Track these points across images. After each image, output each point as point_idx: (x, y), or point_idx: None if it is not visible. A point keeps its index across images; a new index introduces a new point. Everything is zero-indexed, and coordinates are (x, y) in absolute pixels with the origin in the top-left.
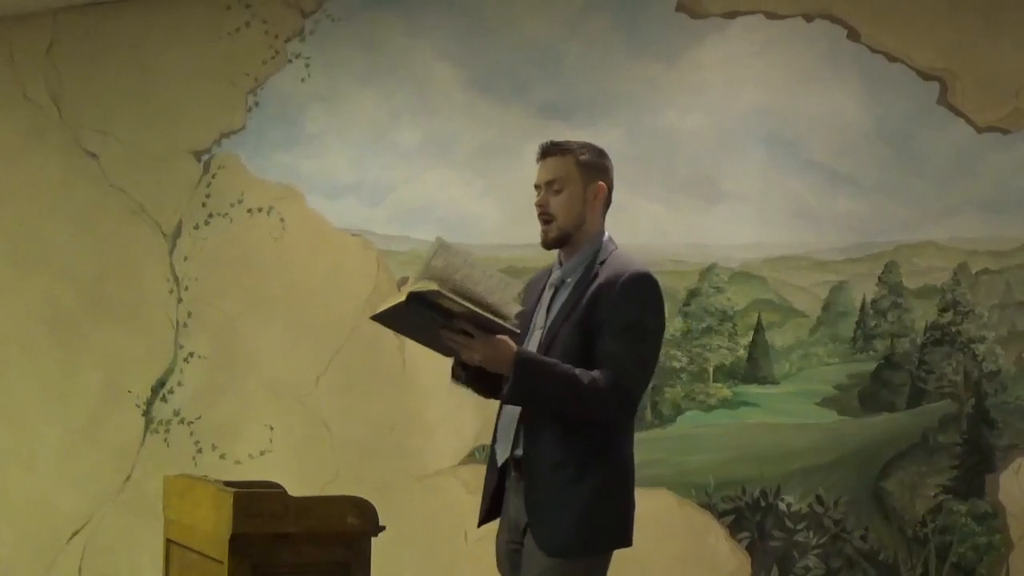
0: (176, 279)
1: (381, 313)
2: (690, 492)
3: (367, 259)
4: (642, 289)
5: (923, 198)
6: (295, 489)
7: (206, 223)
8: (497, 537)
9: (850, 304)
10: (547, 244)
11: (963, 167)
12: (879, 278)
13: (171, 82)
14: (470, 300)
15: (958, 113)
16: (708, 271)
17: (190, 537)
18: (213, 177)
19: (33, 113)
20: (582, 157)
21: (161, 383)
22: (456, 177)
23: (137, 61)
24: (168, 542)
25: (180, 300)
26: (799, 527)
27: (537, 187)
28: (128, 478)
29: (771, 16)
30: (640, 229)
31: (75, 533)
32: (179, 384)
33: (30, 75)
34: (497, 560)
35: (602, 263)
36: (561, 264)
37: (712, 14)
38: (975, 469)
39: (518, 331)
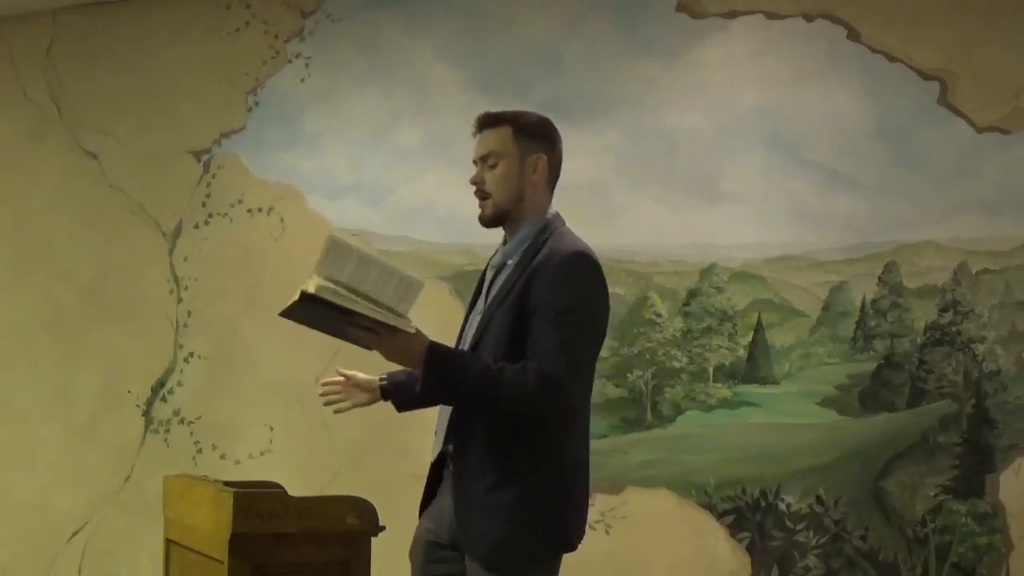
0: (176, 279)
1: (286, 310)
2: (690, 492)
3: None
4: (577, 272)
5: (923, 198)
6: (295, 489)
7: (206, 223)
8: (418, 527)
9: (850, 304)
10: (483, 222)
11: (963, 167)
12: (879, 278)
13: (171, 82)
14: (362, 298)
15: (958, 113)
16: (708, 271)
17: (190, 537)
18: (213, 177)
19: (33, 113)
20: (519, 127)
21: (161, 383)
22: (456, 177)
23: (137, 61)
24: (168, 542)
25: (180, 300)
26: (799, 527)
27: (474, 163)
28: (128, 478)
29: (771, 16)
30: (640, 229)
31: (75, 533)
32: (179, 384)
33: (30, 75)
34: (411, 547)
35: (543, 242)
36: (504, 244)
37: (712, 14)
38: (975, 469)
39: (413, 331)
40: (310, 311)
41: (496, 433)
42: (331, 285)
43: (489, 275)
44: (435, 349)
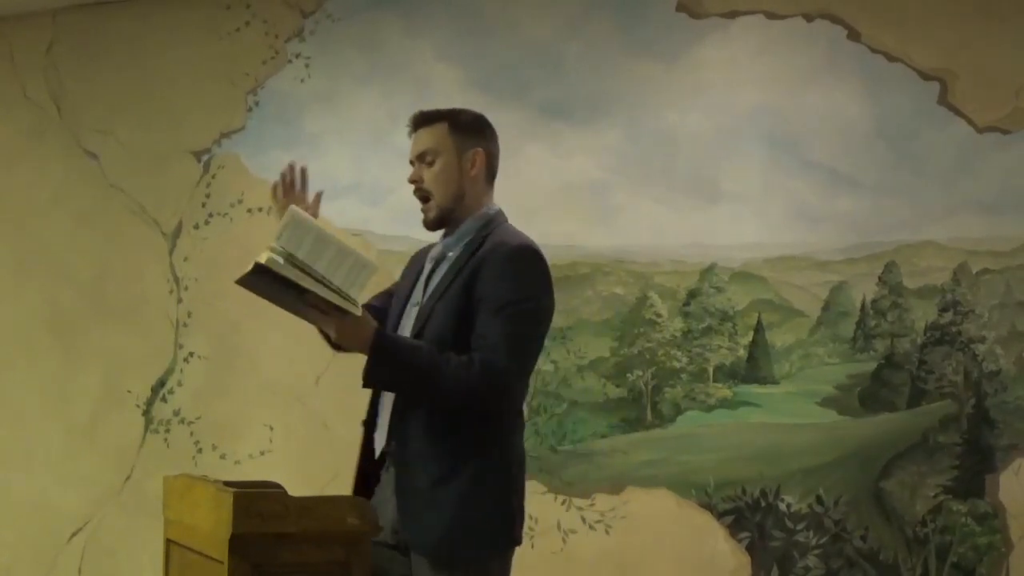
0: (176, 279)
1: (241, 279)
2: (690, 492)
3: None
4: (522, 265)
5: (923, 198)
6: (295, 489)
7: (206, 223)
8: None
9: (850, 304)
10: (428, 225)
11: (963, 167)
12: (879, 278)
13: (171, 82)
14: (314, 277)
15: (958, 113)
16: (708, 271)
17: (190, 537)
18: (213, 177)
19: (33, 113)
20: (454, 123)
21: (161, 383)
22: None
23: (137, 61)
24: (168, 542)
25: (180, 300)
26: (799, 527)
27: (411, 163)
28: (128, 478)
29: (771, 16)
30: (640, 229)
31: (75, 533)
32: (179, 384)
33: (30, 75)
34: None
35: (485, 237)
36: (445, 237)
37: (712, 14)
38: (975, 469)
39: (359, 314)
40: (263, 283)
41: (440, 428)
42: (282, 260)
43: (428, 267)
44: (383, 336)
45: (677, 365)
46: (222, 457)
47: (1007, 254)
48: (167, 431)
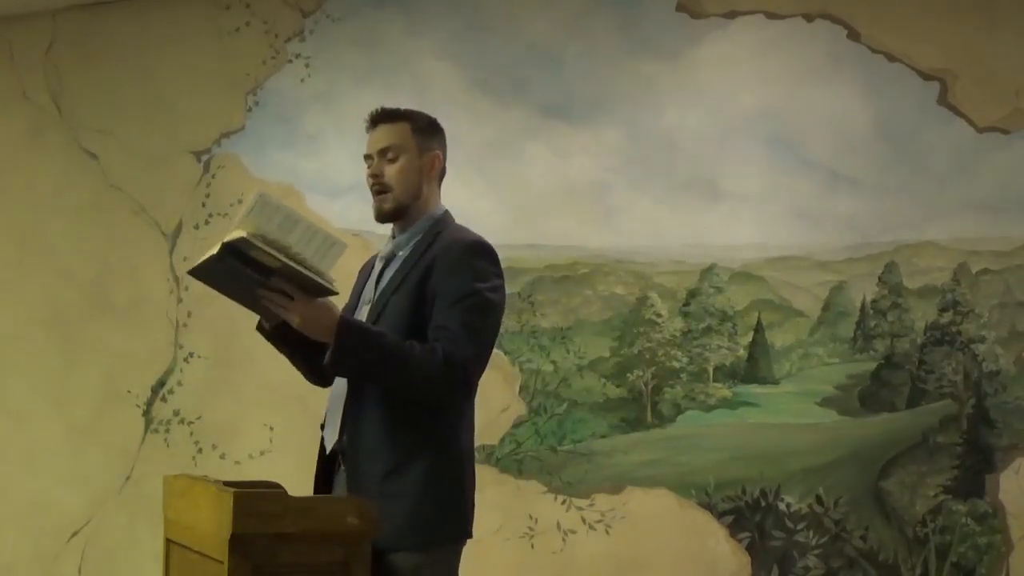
0: (176, 279)
1: (197, 267)
2: (690, 492)
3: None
4: (478, 258)
5: (923, 198)
6: (295, 489)
7: (206, 223)
8: None
9: (850, 304)
10: (381, 217)
11: (963, 167)
12: (879, 278)
13: (171, 82)
14: (286, 254)
15: (958, 113)
16: (708, 271)
17: (190, 537)
18: (213, 177)
19: (33, 113)
20: (417, 124)
21: (161, 383)
22: (456, 177)
23: (137, 61)
24: (168, 542)
25: (180, 300)
26: (799, 527)
27: (368, 157)
28: (128, 478)
29: (771, 16)
30: (640, 229)
31: (75, 533)
32: (179, 384)
33: (30, 75)
34: None
35: (437, 235)
36: (394, 237)
37: (712, 14)
38: (975, 469)
39: (336, 291)
40: (224, 269)
41: (392, 421)
42: (252, 237)
43: (378, 266)
44: (347, 321)
45: (677, 365)
46: (222, 457)
47: (1007, 254)
48: (167, 431)
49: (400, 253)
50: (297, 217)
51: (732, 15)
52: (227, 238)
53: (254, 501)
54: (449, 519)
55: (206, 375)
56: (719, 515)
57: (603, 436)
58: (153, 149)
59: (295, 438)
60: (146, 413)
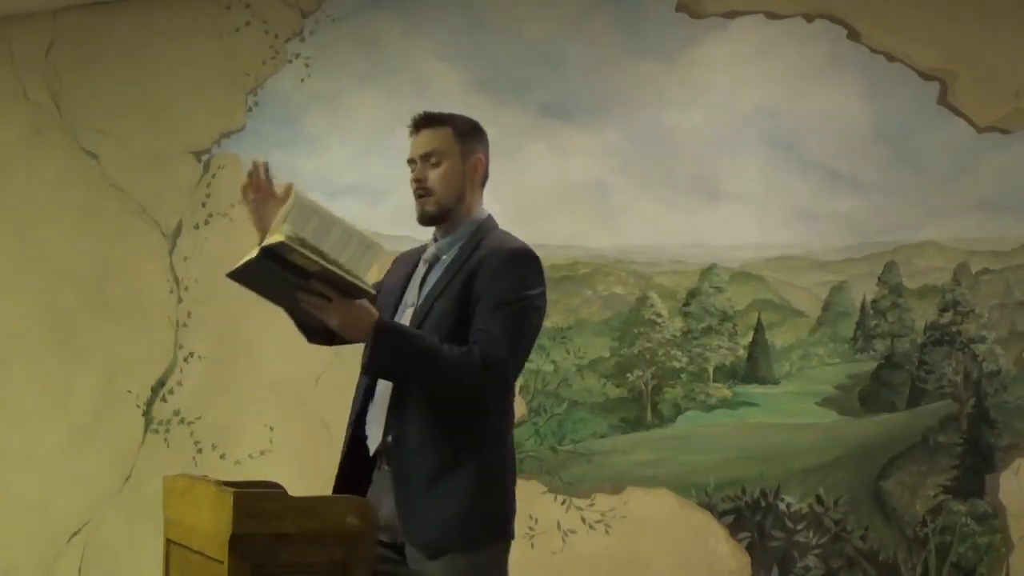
0: (176, 279)
1: (236, 271)
2: (690, 492)
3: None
4: (521, 266)
5: (923, 198)
6: (295, 489)
7: (206, 223)
8: None
9: (850, 304)
10: (424, 219)
11: (963, 167)
12: (879, 278)
13: (171, 82)
14: (324, 258)
15: (958, 113)
16: (708, 271)
17: (190, 537)
18: (213, 177)
19: (33, 113)
20: (460, 129)
21: (161, 383)
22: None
23: (137, 61)
24: (168, 542)
25: (180, 300)
26: (799, 527)
27: (411, 161)
28: (128, 478)
29: (771, 16)
30: (640, 229)
31: (75, 533)
32: (179, 384)
33: (30, 75)
34: None
35: (481, 240)
36: (436, 240)
37: (712, 14)
38: (975, 469)
39: (374, 292)
40: (263, 272)
41: (437, 423)
42: (291, 241)
43: (421, 269)
44: (385, 323)
45: (677, 365)
46: (222, 457)
47: (1007, 254)
48: (167, 431)
49: (444, 257)
50: (334, 219)
51: (732, 15)
52: (266, 242)
53: (254, 501)
54: (496, 519)
55: (206, 375)
56: (719, 515)
57: (603, 436)
58: (153, 149)
59: (295, 438)
60: (146, 413)
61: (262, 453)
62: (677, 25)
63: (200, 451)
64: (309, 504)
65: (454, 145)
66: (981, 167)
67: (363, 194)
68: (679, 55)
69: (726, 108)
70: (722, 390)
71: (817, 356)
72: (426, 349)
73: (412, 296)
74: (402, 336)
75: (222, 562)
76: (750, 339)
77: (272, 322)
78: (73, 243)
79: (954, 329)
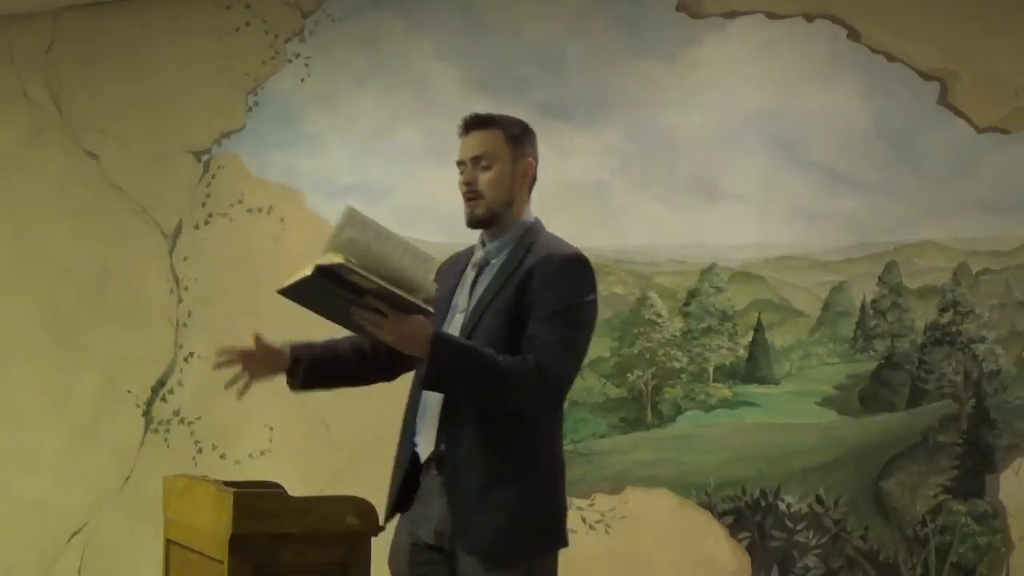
0: (176, 279)
1: (288, 287)
2: (690, 492)
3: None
4: (574, 272)
5: (923, 198)
6: (295, 489)
7: (206, 223)
8: (397, 532)
9: (850, 304)
10: (473, 222)
11: (963, 167)
12: (879, 278)
13: (171, 82)
14: (380, 275)
15: (958, 113)
16: (708, 271)
17: (190, 537)
18: (213, 177)
19: (33, 113)
20: (510, 132)
21: (161, 383)
22: (456, 177)
23: (137, 61)
24: (168, 542)
25: (180, 300)
26: (799, 527)
27: (461, 163)
28: (128, 478)
29: (771, 16)
30: (640, 229)
31: (75, 533)
32: (179, 384)
33: (30, 75)
34: (391, 553)
35: (530, 245)
36: (484, 244)
37: (712, 14)
38: (975, 469)
39: (431, 310)
40: (316, 289)
41: (490, 430)
42: (349, 261)
43: (470, 274)
44: (442, 336)
45: (677, 365)
46: (222, 457)
47: (1007, 254)
48: (167, 431)
49: (493, 261)
50: (388, 234)
51: (732, 15)
52: (322, 262)
53: (254, 501)
54: (543, 530)
55: (206, 375)
56: (719, 515)
57: (603, 436)
58: (153, 149)
59: (295, 438)
60: (146, 413)
61: (262, 453)
62: (677, 25)
63: (200, 451)
64: (309, 504)
65: (505, 148)
66: (981, 167)
67: (363, 194)
68: (679, 55)
69: (726, 108)
70: (722, 390)
71: (817, 356)
72: (482, 361)
73: (462, 302)
74: (458, 349)
75: (222, 562)
76: (750, 339)
77: (272, 322)
78: (73, 243)
79: (954, 329)
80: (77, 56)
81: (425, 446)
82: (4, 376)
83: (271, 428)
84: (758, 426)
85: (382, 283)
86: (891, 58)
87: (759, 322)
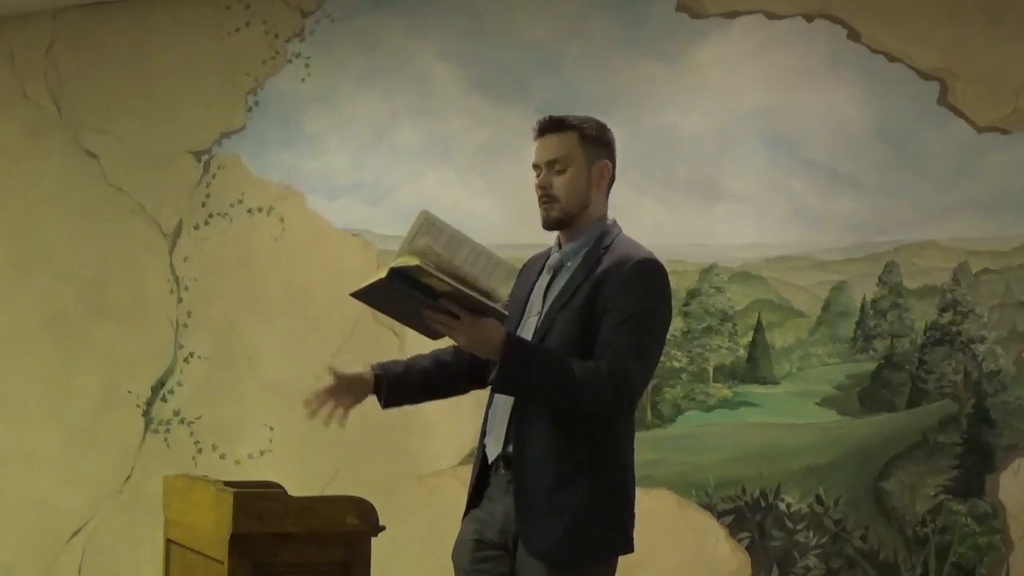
0: (176, 279)
1: (361, 290)
2: (690, 492)
3: (367, 259)
4: (649, 277)
5: (923, 198)
6: (295, 489)
7: (206, 223)
8: (463, 527)
9: (850, 304)
10: (548, 224)
11: (963, 167)
12: (879, 278)
13: (171, 82)
14: (455, 278)
15: (958, 113)
16: (708, 271)
17: (190, 537)
18: (213, 177)
19: (33, 113)
20: (586, 133)
21: (161, 383)
22: (456, 177)
23: (137, 61)
24: (168, 542)
25: (180, 300)
26: (799, 527)
27: (536, 167)
28: (128, 478)
29: (771, 16)
30: (640, 229)
31: (75, 533)
32: (179, 384)
33: (30, 75)
34: (455, 548)
35: (606, 248)
36: (560, 247)
37: (712, 14)
38: (975, 469)
39: (507, 313)
40: (390, 292)
41: (559, 433)
42: (425, 264)
43: (545, 277)
44: (515, 339)
45: (677, 365)
46: (222, 457)
47: (1007, 254)
48: (167, 431)
49: (568, 264)
50: (462, 237)
51: (732, 15)
52: (397, 264)
53: (254, 501)
54: (610, 535)
55: (206, 375)
56: (719, 515)
57: None
58: (153, 149)
59: (295, 438)
60: (146, 413)
61: (262, 453)
62: (677, 25)
63: (200, 451)
64: (309, 504)
65: (579, 151)
66: (981, 167)
67: (363, 194)
68: (679, 55)
69: (726, 108)
70: (722, 390)
71: (817, 356)
72: (554, 366)
73: (536, 305)
74: (530, 352)
75: (222, 562)
76: (750, 339)
77: (272, 322)
78: (73, 243)
79: (954, 329)
80: (77, 56)
81: (494, 446)
82: (4, 376)
83: (271, 428)
84: (758, 426)
85: (457, 285)
86: (891, 58)
87: (759, 322)
